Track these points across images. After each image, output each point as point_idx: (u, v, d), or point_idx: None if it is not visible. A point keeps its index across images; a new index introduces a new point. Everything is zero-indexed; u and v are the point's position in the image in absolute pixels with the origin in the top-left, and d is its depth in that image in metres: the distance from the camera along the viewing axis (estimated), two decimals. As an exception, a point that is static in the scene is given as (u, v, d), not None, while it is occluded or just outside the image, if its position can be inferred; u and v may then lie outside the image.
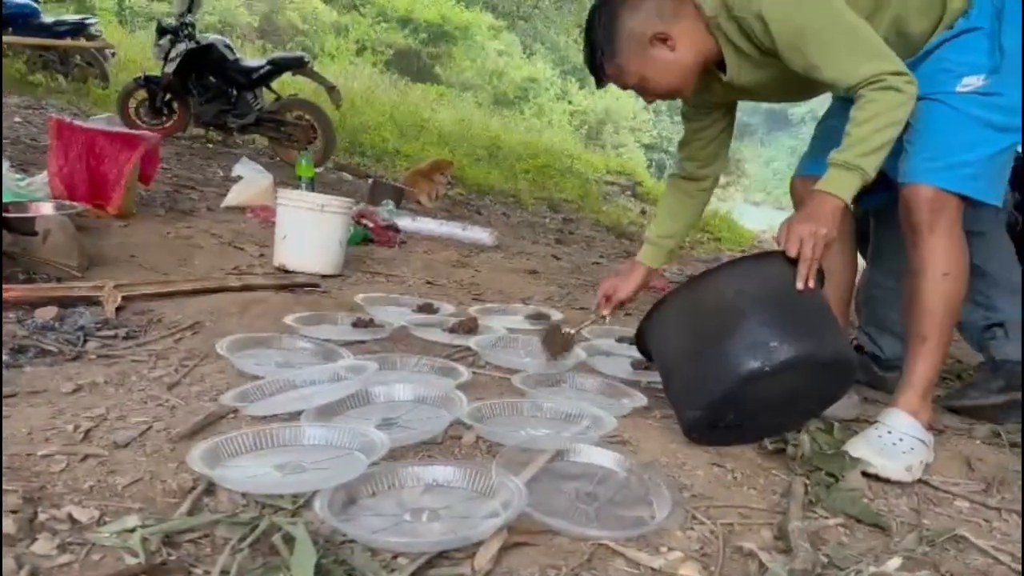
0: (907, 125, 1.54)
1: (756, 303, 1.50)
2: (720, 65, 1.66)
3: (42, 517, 1.04)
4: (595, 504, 1.26)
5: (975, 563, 1.24)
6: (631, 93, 1.95)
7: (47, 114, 5.65)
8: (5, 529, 0.99)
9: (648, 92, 1.67)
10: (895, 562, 1.14)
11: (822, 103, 2.02)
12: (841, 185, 1.51)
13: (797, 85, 1.67)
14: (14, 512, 1.03)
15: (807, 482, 1.44)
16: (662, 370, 1.69)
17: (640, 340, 1.73)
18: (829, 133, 1.85)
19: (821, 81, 1.55)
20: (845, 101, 1.83)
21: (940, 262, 1.59)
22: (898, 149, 1.60)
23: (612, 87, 1.75)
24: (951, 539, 1.30)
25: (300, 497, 1.17)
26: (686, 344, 1.58)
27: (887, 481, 1.50)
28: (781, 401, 1.52)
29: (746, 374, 1.43)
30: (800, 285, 1.49)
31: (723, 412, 1.50)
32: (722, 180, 2.18)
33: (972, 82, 1.58)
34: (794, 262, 1.49)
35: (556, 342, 1.94)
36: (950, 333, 1.64)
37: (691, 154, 1.94)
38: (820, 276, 1.57)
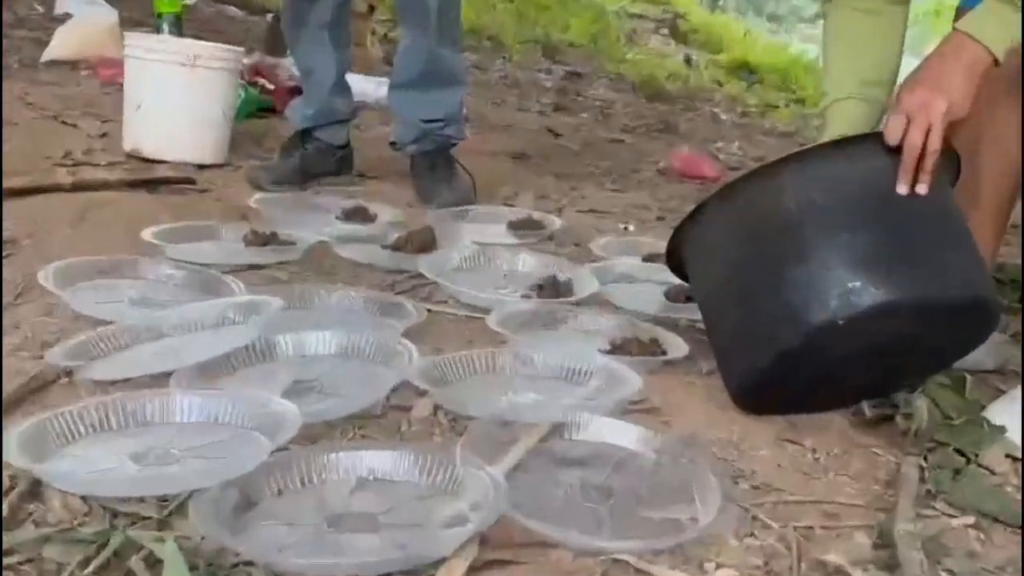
0: None
1: (832, 220, 1.49)
2: None
3: None
4: (609, 502, 1.28)
5: None
6: None
7: None
8: None
9: None
10: (1047, 579, 1.18)
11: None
12: (993, 29, 1.48)
13: None
14: None
15: (924, 465, 1.47)
16: (702, 306, 1.71)
17: (672, 257, 1.74)
18: None
19: None
20: None
21: None
22: None
23: None
24: None
25: (170, 500, 1.18)
26: (732, 276, 1.59)
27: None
28: (876, 357, 1.54)
29: (813, 326, 1.45)
30: (902, 189, 1.48)
31: (783, 374, 1.52)
32: (813, 9, 2.01)
33: None
34: (897, 151, 1.49)
35: None
36: None
37: None
38: (951, 170, 1.56)
